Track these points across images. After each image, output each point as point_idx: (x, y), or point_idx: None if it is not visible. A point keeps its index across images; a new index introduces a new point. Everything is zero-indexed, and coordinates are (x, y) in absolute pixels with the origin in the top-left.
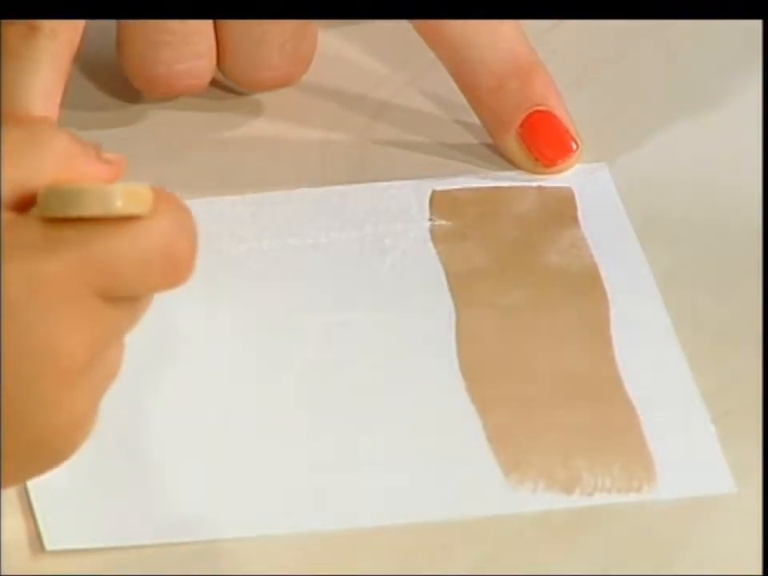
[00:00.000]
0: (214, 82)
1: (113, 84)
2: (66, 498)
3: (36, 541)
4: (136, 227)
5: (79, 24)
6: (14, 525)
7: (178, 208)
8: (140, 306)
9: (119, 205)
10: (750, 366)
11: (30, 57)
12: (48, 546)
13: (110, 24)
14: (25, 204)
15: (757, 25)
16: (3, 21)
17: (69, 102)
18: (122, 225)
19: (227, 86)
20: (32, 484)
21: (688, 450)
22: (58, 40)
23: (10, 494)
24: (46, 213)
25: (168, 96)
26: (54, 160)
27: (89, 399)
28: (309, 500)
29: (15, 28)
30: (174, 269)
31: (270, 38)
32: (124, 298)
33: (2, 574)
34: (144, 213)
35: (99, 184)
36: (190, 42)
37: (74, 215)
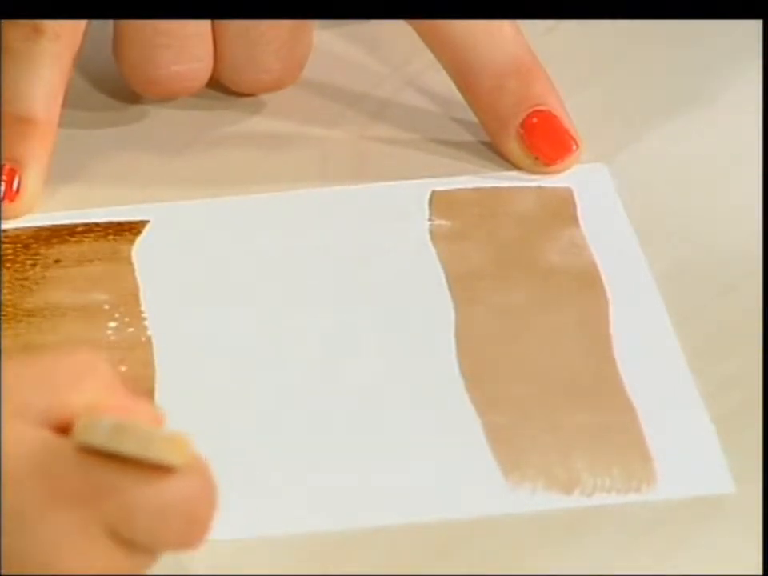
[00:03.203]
0: (212, 83)
1: (111, 84)
2: None
3: None
4: (164, 479)
5: (81, 26)
6: None
7: (206, 470)
8: (147, 560)
9: (157, 449)
10: (749, 366)
11: (32, 58)
12: None
13: (107, 25)
14: (62, 427)
15: (757, 25)
16: (6, 21)
17: (68, 102)
18: (151, 472)
19: (226, 86)
20: None
21: (687, 449)
22: (61, 42)
23: None
24: (82, 440)
25: (165, 98)
26: (95, 388)
27: None
28: (307, 500)
29: (18, 30)
30: (189, 530)
31: (265, 41)
32: (136, 548)
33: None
34: (180, 463)
35: (141, 423)
36: (188, 45)
37: (109, 449)
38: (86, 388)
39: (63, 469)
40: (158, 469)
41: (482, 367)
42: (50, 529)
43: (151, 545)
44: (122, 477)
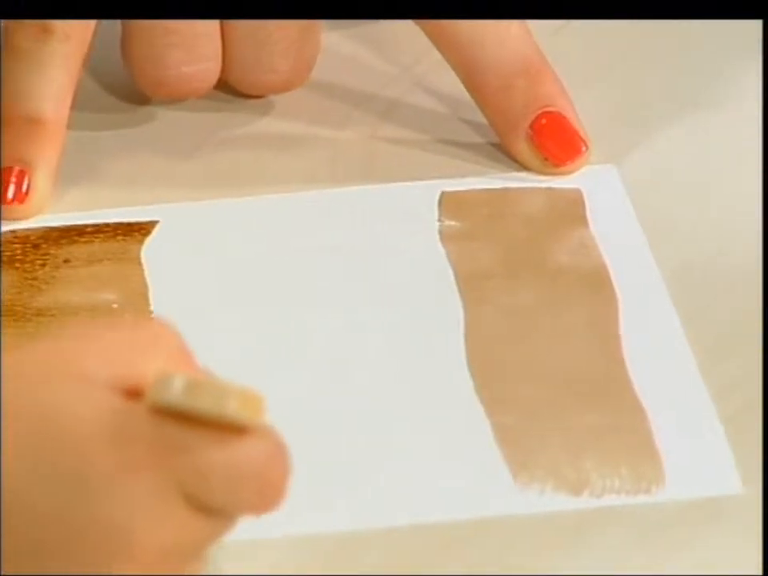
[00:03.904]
0: (221, 84)
1: (120, 86)
2: None
3: None
4: (238, 441)
5: (90, 27)
6: None
7: (278, 435)
8: (224, 526)
9: (232, 405)
10: (758, 366)
11: (41, 59)
12: None
13: (116, 26)
14: (134, 393)
15: (757, 24)
16: (14, 22)
17: (77, 103)
18: (226, 433)
19: (234, 88)
20: None
21: (697, 450)
22: (70, 43)
23: None
24: (156, 398)
25: (174, 99)
26: (166, 356)
27: None
28: (315, 501)
29: (27, 30)
30: (264, 492)
31: (274, 42)
32: (212, 512)
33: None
34: (253, 423)
35: (215, 379)
36: (196, 45)
37: (184, 407)
38: (157, 356)
39: (135, 432)
40: (232, 430)
41: (490, 367)
42: (122, 494)
43: (227, 508)
44: (196, 438)
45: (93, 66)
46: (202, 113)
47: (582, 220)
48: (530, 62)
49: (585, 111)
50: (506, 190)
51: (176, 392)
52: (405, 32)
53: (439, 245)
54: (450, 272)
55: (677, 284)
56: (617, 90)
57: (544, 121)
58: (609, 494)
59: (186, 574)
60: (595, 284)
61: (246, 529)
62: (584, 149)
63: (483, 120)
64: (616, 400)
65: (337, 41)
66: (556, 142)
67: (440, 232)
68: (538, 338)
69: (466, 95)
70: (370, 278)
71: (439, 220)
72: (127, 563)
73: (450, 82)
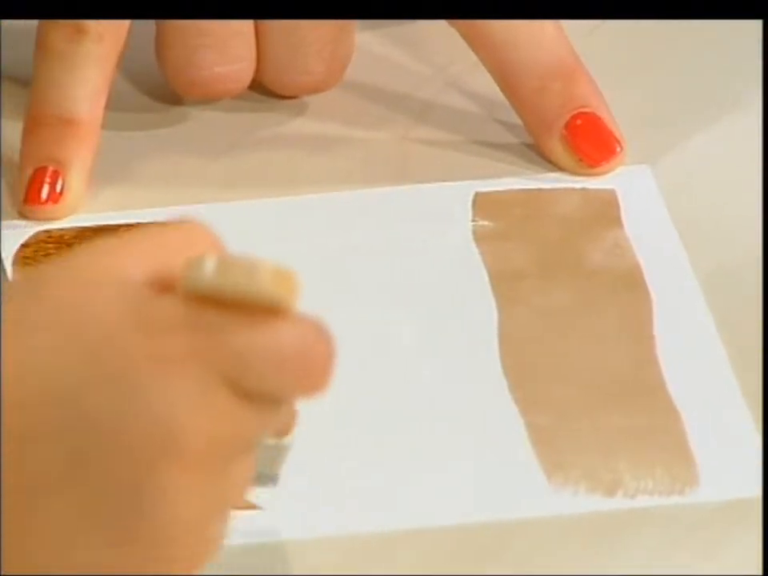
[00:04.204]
0: (254, 84)
1: (155, 86)
2: None
3: None
4: (276, 323)
5: (124, 27)
6: None
7: (320, 322)
8: (275, 413)
9: (266, 279)
10: None
11: (75, 60)
12: None
13: (150, 26)
14: (171, 288)
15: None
16: (48, 22)
17: (111, 104)
18: (263, 317)
19: (268, 88)
20: None
21: (730, 452)
22: (104, 44)
23: None
24: (189, 283)
25: (208, 99)
26: (203, 248)
27: (215, 500)
28: (350, 502)
29: (61, 30)
30: (309, 372)
31: (308, 43)
32: (256, 399)
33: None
34: (288, 303)
35: (251, 257)
36: (230, 46)
37: (217, 287)
38: (192, 251)
39: (171, 322)
40: (270, 313)
41: (524, 368)
42: (162, 386)
43: (272, 392)
44: (234, 323)
45: (127, 66)
46: (236, 113)
47: (616, 221)
48: (564, 63)
49: (619, 112)
50: (540, 190)
51: (208, 273)
52: (439, 32)
53: (473, 245)
54: (484, 272)
55: (711, 285)
56: (651, 91)
57: (579, 121)
58: (642, 495)
59: (236, 471)
60: (629, 285)
61: (284, 530)
62: (619, 149)
63: (517, 121)
64: (650, 401)
65: (371, 41)
66: (591, 142)
67: (474, 232)
68: (571, 339)
69: (500, 96)
70: (403, 278)
71: (473, 220)
72: (173, 459)
73: (484, 83)
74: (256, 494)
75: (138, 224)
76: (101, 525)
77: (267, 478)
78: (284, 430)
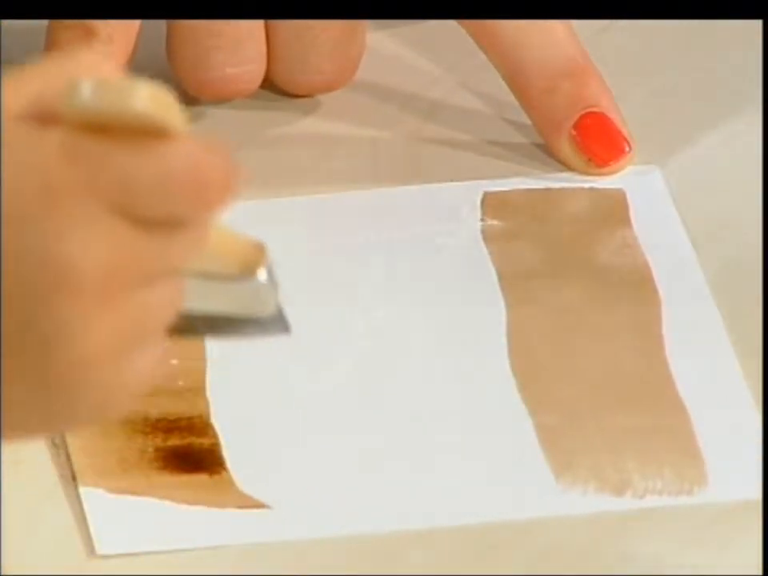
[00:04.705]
0: (265, 83)
1: (164, 85)
2: (116, 503)
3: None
4: (161, 145)
5: (134, 28)
6: (69, 525)
7: (214, 141)
8: (180, 237)
9: (143, 99)
10: None
11: None
12: (99, 550)
13: (162, 26)
14: (45, 118)
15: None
16: (57, 23)
17: None
18: (146, 140)
19: (279, 87)
20: (84, 490)
21: (739, 451)
22: (114, 45)
23: (64, 496)
24: (65, 111)
25: (219, 100)
26: (80, 71)
27: (125, 330)
28: (358, 502)
29: (71, 32)
30: (199, 192)
31: (319, 43)
32: (151, 225)
33: (58, 575)
34: (169, 122)
35: (128, 78)
36: (241, 47)
37: (92, 110)
38: (69, 74)
39: (50, 158)
40: (155, 136)
41: (533, 367)
42: (49, 221)
43: (165, 216)
44: (116, 149)
45: (137, 66)
46: (246, 112)
47: (625, 220)
48: (574, 64)
49: (629, 112)
50: (548, 190)
51: (83, 97)
52: (449, 32)
53: (482, 244)
54: (493, 272)
55: (720, 285)
56: (661, 91)
57: (588, 121)
58: (651, 495)
59: (143, 303)
60: (638, 284)
61: (291, 530)
62: (627, 149)
63: (527, 120)
64: (658, 400)
65: (381, 41)
66: (599, 142)
67: (482, 231)
68: (580, 338)
69: (510, 96)
70: (412, 277)
71: (482, 220)
72: (68, 292)
73: (494, 83)
74: (242, 339)
75: None
76: (6, 368)
77: (251, 322)
78: (248, 264)
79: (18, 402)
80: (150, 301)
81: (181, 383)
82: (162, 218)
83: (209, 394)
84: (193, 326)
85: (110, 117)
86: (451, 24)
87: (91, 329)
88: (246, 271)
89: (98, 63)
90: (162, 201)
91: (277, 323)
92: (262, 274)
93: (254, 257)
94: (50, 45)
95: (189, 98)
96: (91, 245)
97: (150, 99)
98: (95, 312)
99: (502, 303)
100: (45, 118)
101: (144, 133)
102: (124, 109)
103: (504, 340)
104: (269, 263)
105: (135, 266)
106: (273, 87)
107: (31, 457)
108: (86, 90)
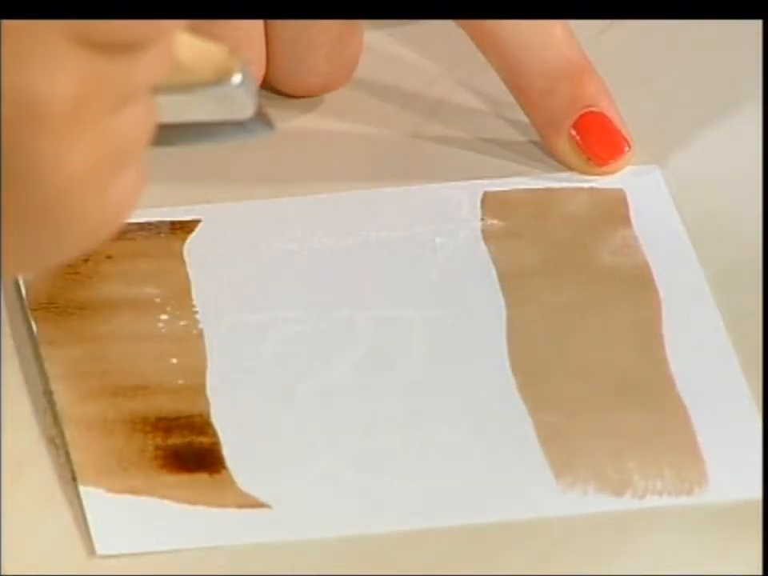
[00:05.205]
0: (264, 83)
1: None
2: (116, 503)
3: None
4: None
5: None
6: (69, 525)
7: None
8: (145, 63)
9: None
10: None
11: None
12: (99, 550)
13: None
14: None
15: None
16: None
17: None
18: None
19: (277, 88)
20: (84, 490)
21: (739, 451)
22: None
23: (64, 497)
24: None
25: None
26: None
27: (98, 157)
28: (358, 502)
29: None
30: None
31: (316, 44)
32: (118, 49)
33: (58, 575)
34: None
35: None
36: (239, 49)
37: None
38: None
39: None
40: None
41: (533, 366)
42: (13, 56)
43: (123, 39)
44: None
45: None
46: None
47: (625, 220)
48: (573, 64)
49: (628, 112)
50: (548, 189)
51: None
52: (448, 31)
53: (482, 244)
54: (493, 271)
55: (720, 285)
56: (660, 91)
57: (587, 121)
58: (651, 496)
59: (117, 125)
60: (638, 284)
61: (291, 530)
62: (627, 149)
63: (526, 120)
64: (658, 400)
65: (380, 40)
66: (599, 142)
67: (482, 231)
68: (580, 338)
69: (510, 96)
70: (412, 277)
71: (482, 219)
72: (38, 124)
73: (494, 82)
74: (223, 143)
75: (143, 223)
76: None
77: (231, 125)
78: (221, 70)
79: (6, 237)
80: (123, 124)
81: (181, 382)
82: (123, 41)
83: (209, 392)
84: (170, 137)
85: None
86: (451, 24)
87: (66, 158)
88: (220, 77)
89: None
90: (120, 23)
91: (257, 123)
92: (236, 78)
93: (225, 63)
94: None
95: None
96: (55, 76)
97: None
98: (68, 141)
99: (501, 303)
100: None
101: None
102: None
103: (504, 339)
104: (242, 67)
105: (102, 92)
106: (270, 88)
107: (31, 457)
108: None
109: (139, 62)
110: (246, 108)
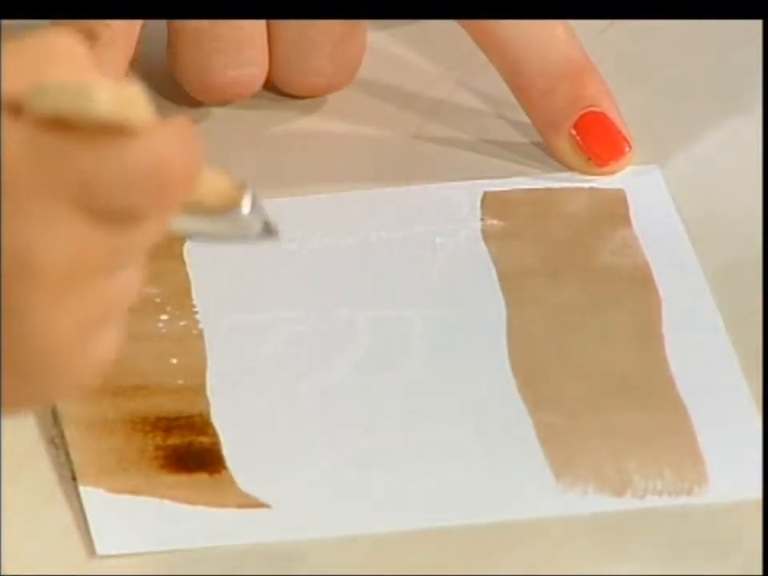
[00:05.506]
0: (266, 84)
1: (166, 86)
2: (116, 503)
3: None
4: (125, 141)
5: (136, 31)
6: (69, 525)
7: (182, 127)
8: (141, 230)
9: (102, 104)
10: None
11: None
12: (99, 550)
13: (163, 30)
14: (16, 107)
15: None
16: (60, 24)
17: None
18: (111, 136)
19: (279, 89)
20: (84, 489)
21: (739, 451)
22: (116, 48)
23: (64, 497)
24: (31, 108)
25: (221, 102)
26: (60, 69)
27: (85, 320)
28: (357, 502)
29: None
30: (160, 187)
31: (319, 45)
32: (112, 218)
33: (58, 575)
34: (135, 123)
35: (89, 81)
36: (242, 49)
37: (57, 112)
38: (52, 70)
39: (16, 151)
40: (119, 133)
41: (533, 366)
42: (13, 214)
43: (124, 211)
44: (79, 146)
45: (139, 66)
46: (247, 112)
47: (625, 220)
48: (574, 63)
49: (629, 112)
50: (548, 189)
51: (45, 99)
52: (449, 32)
53: (482, 244)
54: (493, 271)
55: (720, 285)
56: (661, 91)
57: (587, 121)
58: (651, 496)
59: (106, 289)
60: (638, 284)
61: (291, 530)
62: (627, 149)
63: (527, 120)
64: (658, 400)
65: (381, 40)
66: (599, 142)
67: (482, 231)
68: (580, 337)
69: (510, 95)
70: (412, 277)
71: (482, 219)
72: (29, 283)
73: (494, 82)
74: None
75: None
76: None
77: (244, 238)
78: (231, 201)
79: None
80: (111, 289)
81: (181, 382)
82: (124, 212)
83: (209, 392)
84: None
85: (72, 118)
86: (451, 24)
87: (54, 320)
88: (228, 207)
89: (72, 46)
90: (123, 196)
91: (262, 235)
92: (244, 207)
93: (234, 193)
94: None
95: (190, 100)
96: (53, 239)
97: (111, 101)
98: (57, 303)
99: (501, 303)
100: (16, 107)
101: (106, 131)
102: (85, 112)
103: (504, 339)
104: (250, 193)
105: (96, 259)
106: (272, 88)
107: (31, 457)
108: (48, 93)
109: (136, 233)
110: (252, 229)
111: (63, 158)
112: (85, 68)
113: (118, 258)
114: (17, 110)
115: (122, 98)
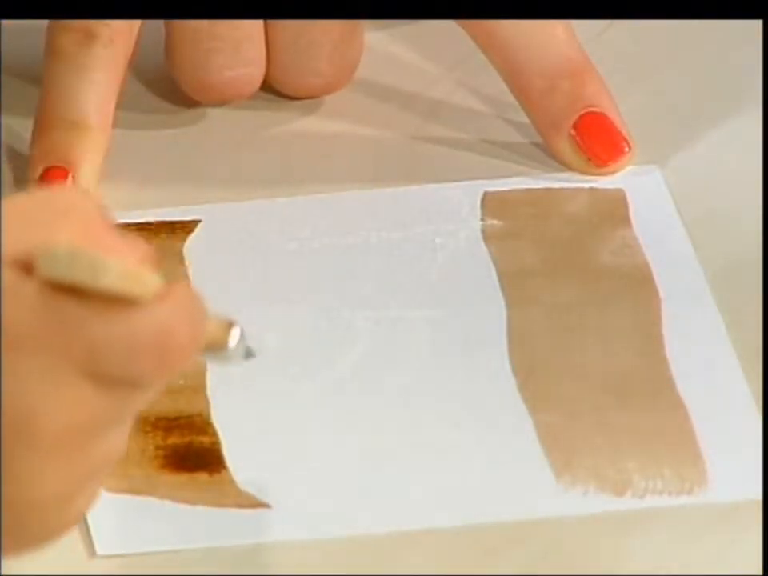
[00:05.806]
0: (265, 84)
1: (165, 86)
2: (116, 503)
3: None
4: (132, 311)
5: (134, 31)
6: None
7: (187, 297)
8: (139, 395)
9: (110, 278)
10: None
11: (85, 64)
12: (99, 550)
13: (161, 30)
14: (26, 265)
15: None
16: (58, 26)
17: (122, 103)
18: (118, 306)
19: (278, 90)
20: None
21: (739, 451)
22: (115, 48)
23: None
24: (40, 273)
25: (218, 102)
26: (71, 227)
27: (75, 479)
28: (357, 502)
29: (72, 36)
30: (164, 359)
31: (317, 45)
32: (113, 385)
33: (58, 575)
34: (142, 296)
35: (98, 252)
36: (240, 50)
37: (60, 278)
38: (64, 227)
39: (25, 311)
40: (126, 303)
41: (533, 366)
42: (16, 376)
43: (126, 379)
44: (87, 313)
45: (137, 66)
46: (246, 112)
47: (624, 220)
48: (573, 63)
49: (628, 112)
50: (548, 189)
51: (57, 265)
52: (449, 32)
53: (482, 244)
54: (493, 271)
55: (720, 285)
56: (660, 91)
57: (587, 121)
58: (651, 495)
59: (97, 449)
60: (638, 284)
61: (290, 530)
62: (627, 149)
63: (526, 120)
64: (658, 400)
65: (381, 41)
66: (599, 142)
67: (483, 231)
68: (580, 337)
69: (510, 95)
70: (412, 277)
71: (482, 219)
72: (27, 445)
73: (494, 83)
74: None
75: (143, 223)
76: None
77: (228, 363)
78: (216, 342)
79: None
80: (104, 447)
81: (181, 382)
82: (126, 379)
83: (209, 392)
84: None
85: (81, 287)
86: (451, 24)
87: (44, 478)
88: (214, 346)
89: (81, 201)
90: (127, 365)
91: (243, 359)
92: (230, 346)
93: (220, 334)
94: (51, 48)
95: (188, 100)
96: (55, 404)
97: (119, 276)
98: (49, 464)
99: (502, 302)
100: (26, 265)
101: (114, 299)
102: (93, 284)
103: (504, 339)
104: (236, 332)
105: (92, 423)
106: (271, 88)
107: None
108: (59, 259)
109: (134, 398)
110: (236, 361)
111: (71, 322)
112: (95, 225)
113: (113, 421)
114: (27, 266)
115: (131, 273)
